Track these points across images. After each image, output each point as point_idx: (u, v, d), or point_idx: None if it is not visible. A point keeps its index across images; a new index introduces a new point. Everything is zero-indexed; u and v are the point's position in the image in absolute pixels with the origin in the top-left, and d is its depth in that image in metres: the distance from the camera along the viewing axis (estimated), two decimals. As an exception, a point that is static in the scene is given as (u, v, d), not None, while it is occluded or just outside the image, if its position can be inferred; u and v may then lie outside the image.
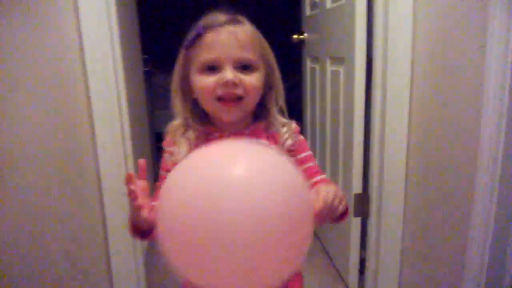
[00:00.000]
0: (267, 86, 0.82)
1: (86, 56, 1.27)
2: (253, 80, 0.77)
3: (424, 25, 1.28)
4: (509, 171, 1.04)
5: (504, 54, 0.97)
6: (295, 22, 2.56)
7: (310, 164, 0.85)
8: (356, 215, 1.58)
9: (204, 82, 0.76)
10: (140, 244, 1.52)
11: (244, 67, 0.76)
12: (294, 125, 0.87)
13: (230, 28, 0.76)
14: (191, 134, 0.83)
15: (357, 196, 1.56)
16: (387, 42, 1.33)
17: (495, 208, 1.07)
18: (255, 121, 0.85)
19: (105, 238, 1.41)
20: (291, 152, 0.84)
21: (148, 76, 2.59)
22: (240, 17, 0.80)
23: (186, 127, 0.83)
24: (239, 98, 0.76)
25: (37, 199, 1.33)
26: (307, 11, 2.03)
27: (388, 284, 1.52)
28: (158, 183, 0.83)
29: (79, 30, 1.25)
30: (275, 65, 0.84)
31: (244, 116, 0.81)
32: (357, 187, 1.56)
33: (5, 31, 1.22)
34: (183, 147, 0.81)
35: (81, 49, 1.26)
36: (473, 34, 1.09)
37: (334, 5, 1.62)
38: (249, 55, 0.76)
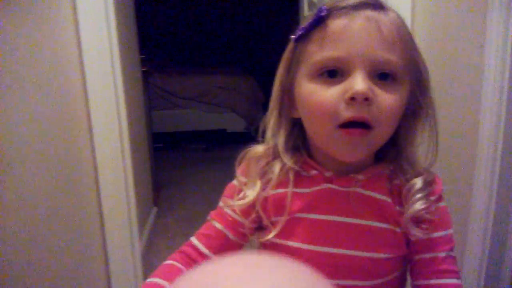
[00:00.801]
0: (407, 110, 0.53)
1: (84, 56, 1.27)
2: (393, 98, 0.49)
3: (423, 25, 1.27)
4: (508, 169, 1.04)
5: (503, 54, 0.97)
6: (293, 21, 2.56)
7: (442, 254, 0.55)
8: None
9: (320, 95, 0.49)
10: (138, 244, 1.51)
11: (383, 76, 0.49)
12: (436, 180, 0.57)
13: (370, 13, 0.49)
14: (276, 168, 0.57)
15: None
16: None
17: (494, 209, 1.07)
18: (377, 162, 0.57)
19: (103, 238, 1.41)
20: (422, 223, 0.54)
21: (146, 76, 2.58)
22: (383, 2, 0.52)
23: (273, 157, 0.58)
24: (366, 126, 0.49)
25: (34, 198, 1.33)
26: (305, 10, 2.02)
27: None
28: (212, 215, 0.63)
29: (77, 29, 1.25)
30: (428, 81, 0.54)
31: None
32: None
33: (2, 30, 1.21)
34: (253, 190, 0.57)
35: (79, 49, 1.26)
36: (472, 34, 1.09)
37: (332, 4, 1.62)
38: (394, 57, 0.49)
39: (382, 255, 0.54)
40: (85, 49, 1.26)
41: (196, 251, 0.60)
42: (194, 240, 0.61)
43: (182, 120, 3.98)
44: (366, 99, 0.47)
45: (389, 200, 0.55)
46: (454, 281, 0.54)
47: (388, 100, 0.48)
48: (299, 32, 0.53)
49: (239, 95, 3.85)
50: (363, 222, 0.54)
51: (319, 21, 0.50)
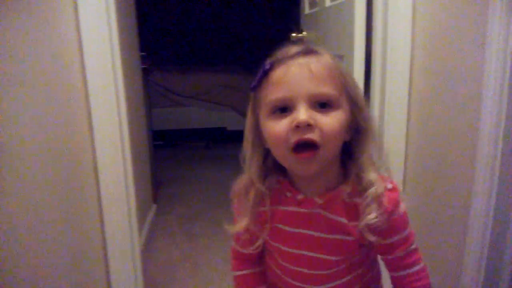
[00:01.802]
0: (353, 129, 0.68)
1: (85, 53, 1.27)
2: (332, 120, 0.62)
3: (424, 23, 1.27)
4: (508, 169, 1.04)
5: (504, 52, 0.97)
6: (294, 20, 2.55)
7: (401, 254, 0.72)
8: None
9: (274, 127, 0.64)
10: (137, 241, 1.52)
11: (322, 105, 0.63)
12: (387, 192, 0.68)
13: (302, 59, 0.64)
14: (251, 196, 0.72)
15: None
16: (387, 40, 1.32)
17: (493, 209, 1.07)
18: (339, 183, 0.70)
19: (103, 235, 1.41)
20: (375, 230, 0.68)
21: (146, 73, 2.58)
22: (317, 48, 0.67)
23: (249, 186, 0.73)
24: (314, 146, 0.62)
25: (35, 197, 1.33)
26: (306, 9, 2.02)
27: (386, 283, 1.52)
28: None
29: (78, 26, 1.24)
30: (362, 102, 0.68)
31: (324, 171, 0.67)
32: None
33: (3, 27, 1.21)
34: (241, 222, 0.73)
35: (80, 46, 1.26)
36: (472, 32, 1.09)
37: (333, 3, 1.61)
38: (326, 89, 0.63)
39: (333, 258, 0.73)
40: (86, 47, 1.26)
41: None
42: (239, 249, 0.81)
43: (182, 118, 3.98)
44: (309, 125, 0.61)
45: (343, 220, 0.70)
46: (417, 267, 0.73)
47: (328, 122, 0.62)
48: (253, 84, 0.67)
49: (240, 93, 3.85)
50: (320, 235, 0.72)
51: (266, 73, 0.65)
